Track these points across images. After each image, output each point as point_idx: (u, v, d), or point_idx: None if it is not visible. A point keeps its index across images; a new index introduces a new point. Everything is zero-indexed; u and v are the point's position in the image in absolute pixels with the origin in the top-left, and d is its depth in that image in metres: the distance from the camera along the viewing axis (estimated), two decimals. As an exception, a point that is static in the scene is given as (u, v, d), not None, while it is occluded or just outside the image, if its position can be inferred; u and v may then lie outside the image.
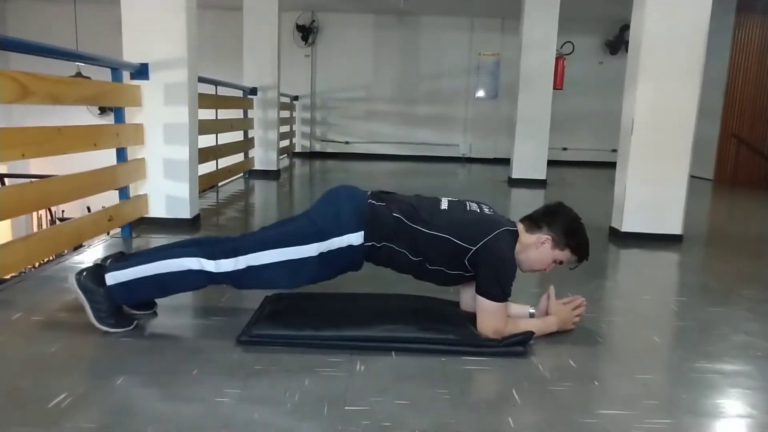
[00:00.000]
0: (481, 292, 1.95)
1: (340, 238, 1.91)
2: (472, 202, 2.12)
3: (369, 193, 2.05)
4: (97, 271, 1.96)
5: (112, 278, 1.94)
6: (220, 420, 1.46)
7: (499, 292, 1.93)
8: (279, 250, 1.91)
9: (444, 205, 2.05)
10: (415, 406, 1.57)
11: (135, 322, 2.03)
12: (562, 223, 2.04)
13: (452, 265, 1.99)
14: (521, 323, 2.03)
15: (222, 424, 1.44)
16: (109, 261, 2.02)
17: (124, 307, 2.06)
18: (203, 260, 1.92)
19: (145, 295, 2.06)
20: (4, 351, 1.86)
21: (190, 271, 1.93)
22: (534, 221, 2.06)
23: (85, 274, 1.95)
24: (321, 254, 1.91)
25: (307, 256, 1.91)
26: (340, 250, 1.92)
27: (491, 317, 1.95)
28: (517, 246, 2.02)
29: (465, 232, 1.95)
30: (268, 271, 1.92)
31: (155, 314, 2.14)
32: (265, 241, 1.95)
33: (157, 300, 2.16)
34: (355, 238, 1.92)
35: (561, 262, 2.07)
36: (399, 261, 2.00)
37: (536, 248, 2.03)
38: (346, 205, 1.97)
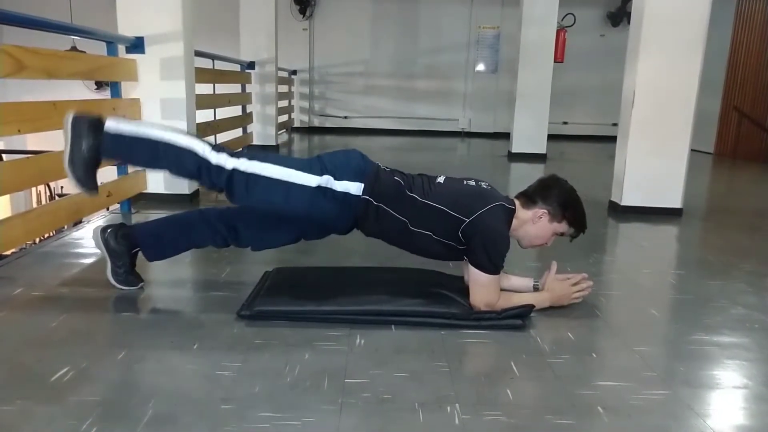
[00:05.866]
0: (473, 263, 1.96)
1: (341, 182, 1.92)
2: (470, 179, 2.11)
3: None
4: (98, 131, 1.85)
5: (113, 126, 1.85)
6: (221, 393, 1.47)
7: (490, 265, 1.94)
8: (283, 169, 1.90)
9: (440, 179, 2.06)
10: (415, 379, 1.58)
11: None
12: (557, 195, 2.03)
13: (443, 235, 1.97)
14: (514, 297, 2.04)
15: (223, 398, 1.45)
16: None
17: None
18: (208, 149, 1.88)
19: (134, 154, 1.94)
20: (5, 326, 1.87)
21: (191, 152, 1.87)
22: (529, 196, 2.06)
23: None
24: (319, 187, 1.90)
25: (306, 184, 1.90)
26: (337, 193, 1.92)
27: (482, 290, 1.96)
28: (515, 222, 2.02)
29: (460, 204, 1.95)
30: (264, 183, 1.89)
31: (142, 289, 2.15)
32: (273, 159, 1.94)
33: (154, 266, 2.20)
34: (354, 188, 1.93)
35: (562, 234, 2.07)
36: (390, 229, 1.98)
37: (533, 223, 2.03)
38: (355, 158, 2.05)
